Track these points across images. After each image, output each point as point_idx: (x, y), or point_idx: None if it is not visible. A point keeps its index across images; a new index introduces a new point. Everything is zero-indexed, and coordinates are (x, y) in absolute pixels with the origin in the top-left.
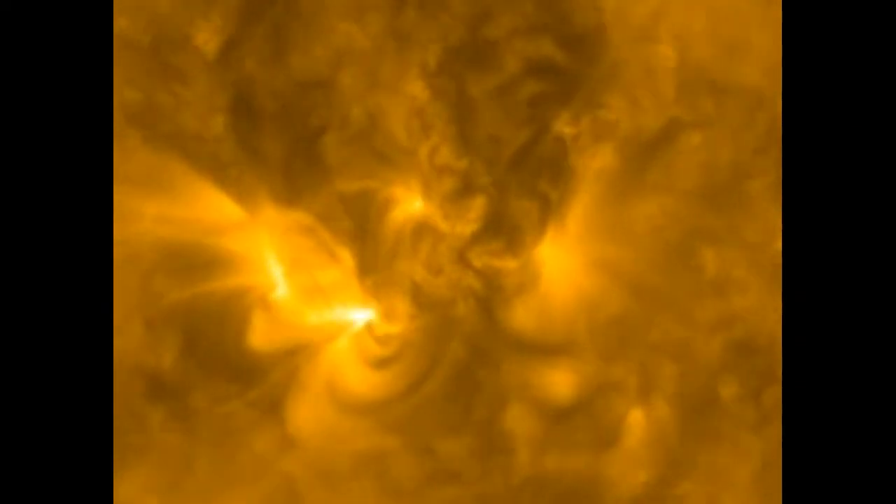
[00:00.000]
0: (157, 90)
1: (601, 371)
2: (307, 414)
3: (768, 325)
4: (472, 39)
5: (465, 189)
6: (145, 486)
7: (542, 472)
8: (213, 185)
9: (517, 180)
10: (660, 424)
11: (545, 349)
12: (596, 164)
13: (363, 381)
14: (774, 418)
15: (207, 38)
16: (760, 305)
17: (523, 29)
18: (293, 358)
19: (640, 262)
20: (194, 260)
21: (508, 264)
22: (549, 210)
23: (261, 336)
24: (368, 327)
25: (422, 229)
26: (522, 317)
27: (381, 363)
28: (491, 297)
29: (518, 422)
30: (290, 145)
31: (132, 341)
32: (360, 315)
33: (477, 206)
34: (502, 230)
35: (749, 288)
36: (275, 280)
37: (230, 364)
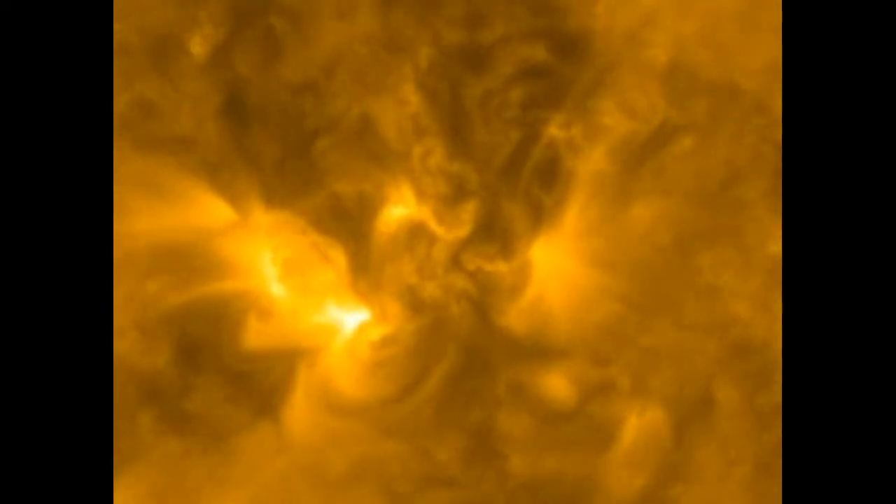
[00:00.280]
0: (150, 93)
1: (596, 374)
2: (301, 417)
3: (763, 328)
4: (465, 43)
5: (458, 192)
6: (140, 489)
7: (536, 475)
8: (207, 188)
9: (510, 183)
10: (655, 427)
11: (540, 352)
12: (589, 167)
13: (357, 384)
14: (770, 422)
15: (200, 42)
16: (755, 308)
17: (516, 32)
18: (287, 360)
19: (635, 266)
20: (188, 263)
21: (502, 267)
22: (542, 213)
23: (255, 339)
24: (362, 330)
25: (415, 232)
26: (517, 320)
27: (375, 366)
28: (485, 300)
29: (512, 425)
30: (283, 148)
31: (126, 344)
32: (354, 318)
33: (470, 209)
34: (495, 233)
35: (744, 291)
36: (269, 283)
37: (224, 367)
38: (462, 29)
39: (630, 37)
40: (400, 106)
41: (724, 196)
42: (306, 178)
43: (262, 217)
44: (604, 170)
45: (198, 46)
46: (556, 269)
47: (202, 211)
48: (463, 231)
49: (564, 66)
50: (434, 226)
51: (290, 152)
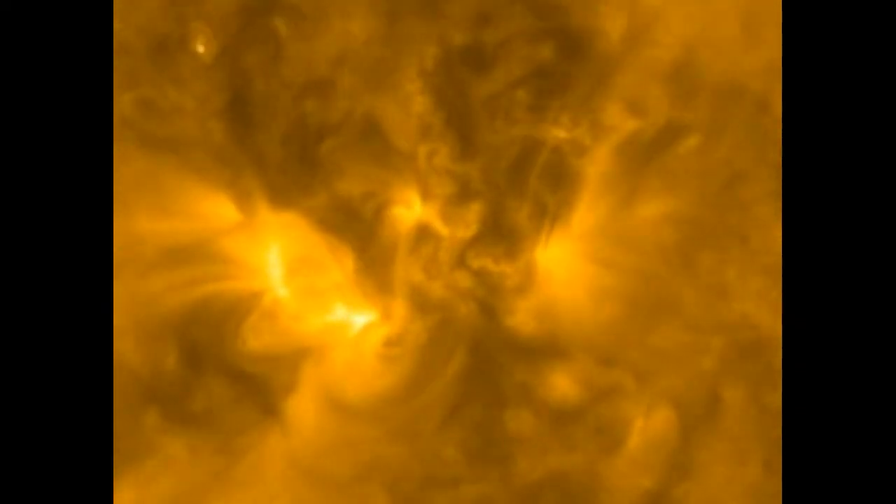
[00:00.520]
0: (153, 93)
1: (603, 374)
2: (307, 417)
3: (768, 328)
4: (470, 42)
5: (464, 192)
6: (142, 491)
7: (543, 475)
8: (211, 187)
9: (516, 184)
10: (662, 428)
11: (546, 353)
12: (595, 167)
13: (363, 385)
14: (777, 421)
15: (204, 41)
16: (761, 309)
17: (522, 33)
18: (293, 361)
19: (640, 266)
20: (192, 263)
21: (508, 268)
22: (548, 214)
23: (260, 339)
24: (368, 330)
25: (421, 232)
26: (523, 320)
27: (381, 366)
28: (491, 300)
29: (519, 425)
30: (288, 147)
31: (130, 345)
32: (360, 318)
33: (476, 210)
34: (501, 233)
35: (749, 291)
36: (274, 283)
37: (229, 367)
38: (468, 29)
39: (634, 37)
40: (405, 106)
41: (730, 195)
42: (311, 177)
43: (268, 217)
44: (610, 170)
45: (201, 46)
46: (563, 269)
47: (207, 211)
48: (469, 231)
49: (570, 66)
50: (440, 226)
51: (295, 152)
